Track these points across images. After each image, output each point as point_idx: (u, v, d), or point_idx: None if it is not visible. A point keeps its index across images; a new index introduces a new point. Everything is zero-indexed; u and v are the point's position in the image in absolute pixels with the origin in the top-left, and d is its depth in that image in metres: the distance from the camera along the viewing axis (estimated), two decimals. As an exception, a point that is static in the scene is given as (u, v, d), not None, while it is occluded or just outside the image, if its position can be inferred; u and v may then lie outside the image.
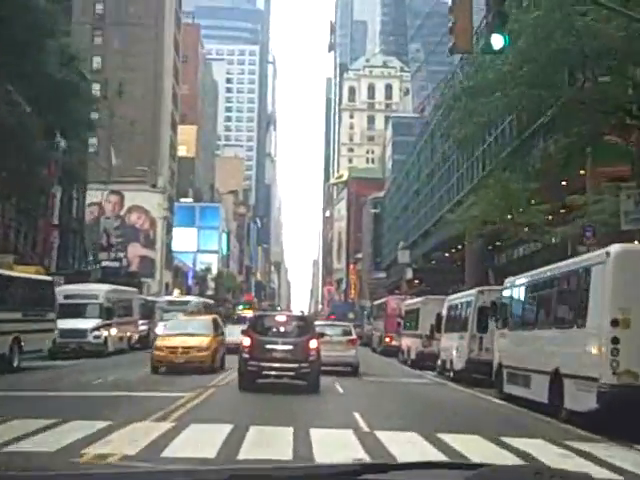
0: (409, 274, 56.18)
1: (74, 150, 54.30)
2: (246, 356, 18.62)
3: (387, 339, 41.68)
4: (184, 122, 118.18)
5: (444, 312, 28.30)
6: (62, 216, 52.03)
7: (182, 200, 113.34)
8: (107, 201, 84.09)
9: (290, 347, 18.79)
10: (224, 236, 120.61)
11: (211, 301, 59.37)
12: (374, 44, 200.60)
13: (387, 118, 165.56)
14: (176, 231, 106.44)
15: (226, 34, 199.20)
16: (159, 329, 42.39)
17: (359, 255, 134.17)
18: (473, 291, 25.67)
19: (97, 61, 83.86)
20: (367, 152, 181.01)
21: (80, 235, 53.96)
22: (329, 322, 35.55)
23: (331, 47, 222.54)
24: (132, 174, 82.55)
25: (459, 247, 57.83)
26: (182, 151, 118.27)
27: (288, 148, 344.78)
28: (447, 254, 60.78)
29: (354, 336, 28.39)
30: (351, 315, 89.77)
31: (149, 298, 46.36)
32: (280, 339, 19.17)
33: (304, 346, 18.71)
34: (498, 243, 46.79)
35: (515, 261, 53.50)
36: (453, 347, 25.42)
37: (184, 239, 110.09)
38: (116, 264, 64.93)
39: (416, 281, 59.31)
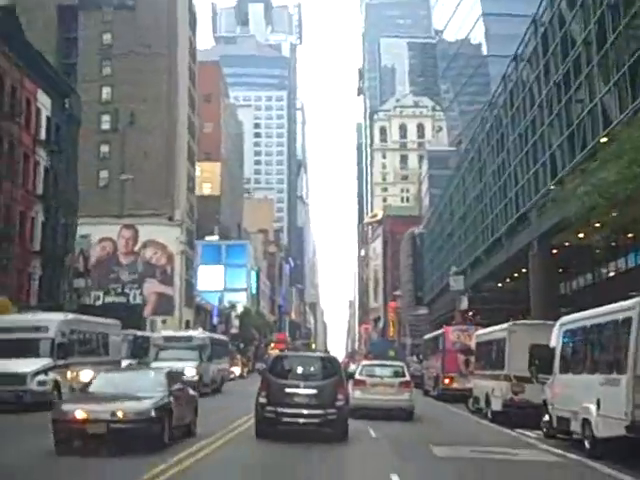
0: (464, 303, 44.66)
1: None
2: (263, 401, 16.00)
3: (446, 380, 30.72)
4: (208, 160, 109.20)
5: (554, 342, 17.16)
6: (45, 244, 41.89)
7: (207, 238, 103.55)
8: (121, 237, 74.38)
9: (314, 391, 16.12)
10: (253, 274, 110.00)
11: (224, 337, 48.51)
12: (404, 86, 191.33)
13: (421, 156, 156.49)
14: (202, 269, 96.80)
15: (252, 81, 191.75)
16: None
17: (397, 292, 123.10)
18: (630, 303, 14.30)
19: (106, 91, 75.00)
20: (401, 191, 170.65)
21: (62, 265, 43.35)
22: (378, 362, 27.86)
23: (360, 91, 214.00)
24: (147, 207, 72.78)
25: (515, 275, 47.19)
26: (207, 189, 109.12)
27: (320, 192, 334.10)
28: (500, 284, 49.73)
29: (408, 377, 23.46)
30: (391, 353, 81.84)
31: (140, 333, 35.62)
32: (302, 382, 16.37)
33: (330, 390, 16.08)
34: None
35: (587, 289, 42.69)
36: (588, 396, 14.27)
37: (210, 277, 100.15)
38: (122, 299, 54.84)
39: (470, 312, 47.87)
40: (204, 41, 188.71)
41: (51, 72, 45.21)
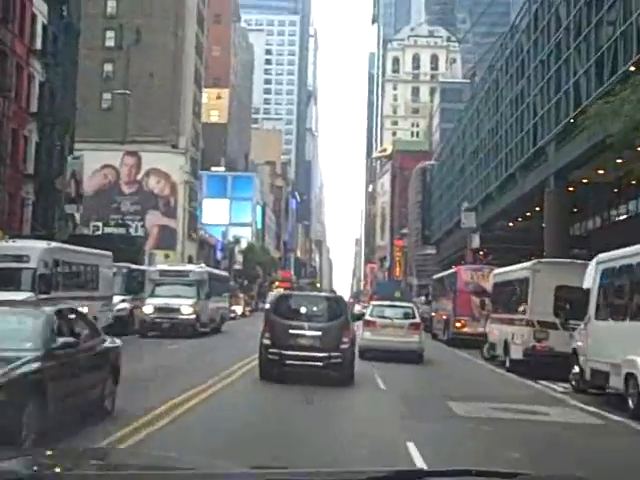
0: (476, 241, 42.50)
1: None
2: (267, 342, 15.43)
3: (458, 324, 28.93)
4: (216, 86, 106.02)
5: (588, 283, 15.17)
6: (39, 167, 39.64)
7: (213, 169, 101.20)
8: (123, 164, 72.20)
9: (319, 333, 15.44)
10: (259, 209, 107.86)
11: (224, 273, 46.77)
12: (419, 15, 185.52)
13: (433, 89, 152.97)
14: (206, 203, 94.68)
15: (264, 3, 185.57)
16: (148, 308, 30.44)
17: (404, 231, 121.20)
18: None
19: (111, 5, 71.56)
20: (412, 125, 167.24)
21: (55, 190, 41.23)
22: (388, 303, 26.55)
23: (374, 19, 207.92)
24: (151, 133, 70.41)
25: (528, 214, 45.06)
26: (214, 117, 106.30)
27: (330, 124, 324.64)
28: (512, 223, 47.63)
29: (418, 319, 22.88)
30: (397, 294, 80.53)
31: (135, 267, 33.74)
32: (307, 323, 15.72)
33: (335, 332, 15.40)
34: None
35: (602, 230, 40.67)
36: (634, 347, 12.39)
37: (215, 211, 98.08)
38: (122, 231, 52.95)
39: (481, 252, 45.79)
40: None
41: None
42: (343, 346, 15.24)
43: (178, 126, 71.30)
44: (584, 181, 35.28)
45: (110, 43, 71.22)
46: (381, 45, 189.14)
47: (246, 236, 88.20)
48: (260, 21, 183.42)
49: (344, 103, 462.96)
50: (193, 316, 29.40)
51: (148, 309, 29.89)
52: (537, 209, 40.17)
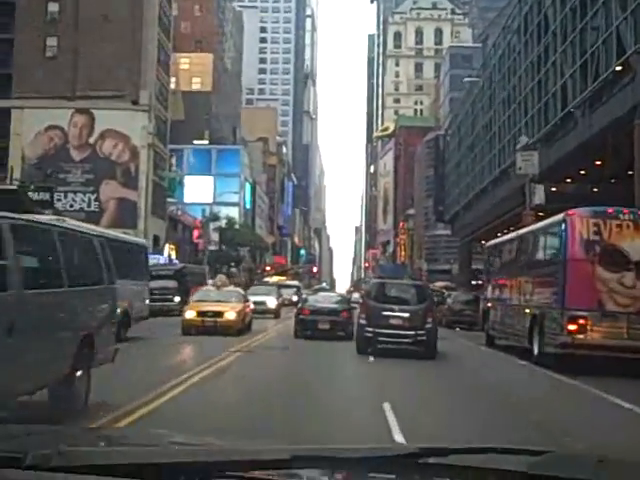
0: (540, 195, 26.89)
1: None
2: (363, 322, 17.70)
3: (572, 326, 13.71)
4: (199, 50, 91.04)
5: None
6: None
7: (195, 142, 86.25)
8: (72, 124, 57.25)
9: (407, 315, 17.51)
10: (247, 186, 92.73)
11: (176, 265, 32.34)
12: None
13: (437, 64, 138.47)
14: (188, 180, 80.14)
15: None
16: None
17: (410, 211, 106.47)
18: None
19: None
20: (415, 103, 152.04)
21: None
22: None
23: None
24: (106, 86, 55.55)
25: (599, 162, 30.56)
26: (196, 84, 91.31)
27: (329, 109, 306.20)
28: (583, 171, 32.78)
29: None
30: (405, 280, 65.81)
31: None
32: (397, 306, 17.74)
33: (421, 314, 17.51)
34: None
35: None
36: None
37: (198, 189, 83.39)
38: (43, 197, 38.36)
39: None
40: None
41: None
42: (428, 325, 17.21)
43: (139, 78, 56.30)
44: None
45: (54, -24, 56.21)
46: (381, 24, 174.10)
47: (232, 216, 72.77)
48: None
49: (343, 87, 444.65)
50: None
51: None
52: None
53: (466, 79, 56.88)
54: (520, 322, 16.79)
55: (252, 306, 30.18)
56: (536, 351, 15.12)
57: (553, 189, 29.05)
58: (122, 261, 18.13)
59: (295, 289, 53.30)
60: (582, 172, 32.68)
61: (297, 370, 13.95)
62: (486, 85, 55.43)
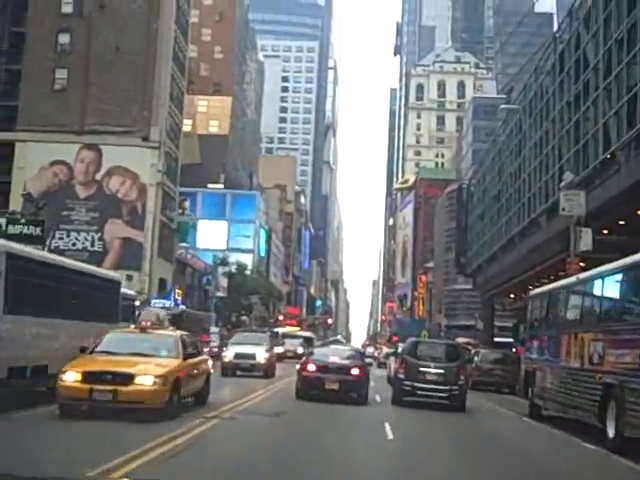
0: (587, 241, 22.73)
1: None
2: (401, 377, 18.91)
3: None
4: (217, 93, 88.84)
5: None
6: None
7: (210, 186, 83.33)
8: (79, 160, 54.47)
9: (442, 371, 18.60)
10: (262, 233, 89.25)
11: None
12: (445, 43, 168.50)
13: (459, 118, 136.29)
14: (202, 224, 77.05)
15: (283, 29, 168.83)
16: None
17: (429, 264, 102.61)
18: None
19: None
20: (436, 156, 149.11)
21: None
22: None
23: (397, 50, 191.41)
24: (115, 122, 52.90)
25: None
26: (214, 127, 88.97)
27: (349, 161, 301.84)
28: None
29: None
30: (424, 335, 62.55)
31: None
32: (432, 363, 18.93)
33: (455, 371, 18.59)
34: None
35: None
36: None
37: (211, 234, 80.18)
38: (34, 231, 35.01)
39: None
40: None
41: None
42: (460, 382, 18.47)
43: (150, 114, 53.49)
44: None
45: (67, 9, 54.01)
46: (403, 76, 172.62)
47: (242, 262, 69.14)
48: (277, 47, 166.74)
49: (364, 139, 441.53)
50: None
51: None
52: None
53: (502, 106, 53.48)
54: (585, 392, 12.81)
55: (230, 359, 26.67)
56: (612, 434, 11.20)
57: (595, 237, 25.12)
58: (80, 297, 14.42)
59: (302, 340, 48.78)
60: (621, 222, 28.84)
61: (290, 451, 10.10)
62: (515, 131, 52.12)
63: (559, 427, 14.72)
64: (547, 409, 15.95)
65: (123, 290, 27.01)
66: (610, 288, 12.55)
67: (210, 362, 15.93)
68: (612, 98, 29.75)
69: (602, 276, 12.88)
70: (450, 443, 12.21)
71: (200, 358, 14.83)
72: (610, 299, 12.72)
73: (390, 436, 11.90)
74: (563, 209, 23.88)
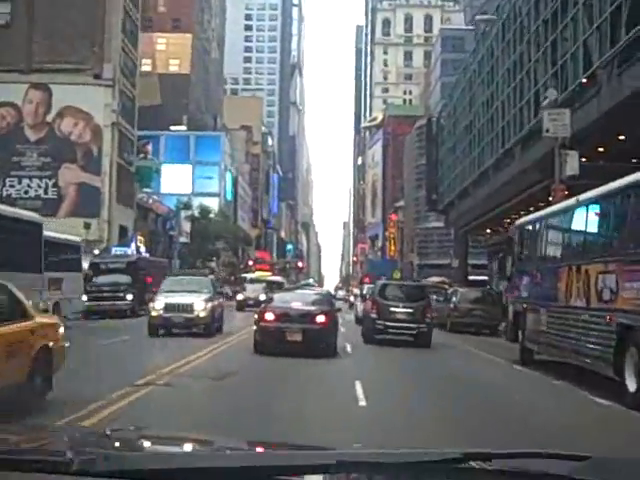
0: (573, 165, 20.52)
1: None
2: (374, 316, 20.16)
3: None
4: (176, 29, 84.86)
5: None
6: None
7: (173, 128, 79.97)
8: (27, 101, 51.00)
9: (410, 310, 19.96)
10: (228, 176, 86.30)
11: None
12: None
13: (427, 53, 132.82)
14: (165, 168, 74.03)
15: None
16: None
17: (400, 203, 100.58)
18: None
19: None
20: (404, 92, 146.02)
21: None
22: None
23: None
24: (65, 59, 49.33)
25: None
26: (174, 66, 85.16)
27: (316, 101, 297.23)
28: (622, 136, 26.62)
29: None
30: (396, 274, 61.91)
31: None
32: (401, 303, 20.36)
33: (421, 310, 19.95)
34: None
35: None
36: None
37: (175, 178, 77.21)
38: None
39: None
40: None
41: None
42: (427, 320, 19.92)
43: (102, 50, 49.97)
44: None
45: None
46: (369, 13, 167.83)
47: (206, 205, 66.36)
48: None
49: (331, 78, 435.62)
50: None
51: None
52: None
53: (478, 17, 50.83)
54: (594, 336, 10.67)
55: (159, 313, 20.41)
56: (633, 387, 9.11)
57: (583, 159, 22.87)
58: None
59: (264, 284, 42.44)
60: (600, 149, 26.58)
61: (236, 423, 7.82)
62: (486, 57, 49.49)
63: (559, 376, 12.64)
64: (541, 353, 13.89)
65: (66, 236, 24.49)
66: (623, 207, 10.16)
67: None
68: (594, 13, 27.37)
69: (613, 193, 10.48)
70: (437, 398, 10.09)
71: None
72: (624, 221, 10.33)
73: (362, 402, 9.60)
74: (547, 130, 21.53)
